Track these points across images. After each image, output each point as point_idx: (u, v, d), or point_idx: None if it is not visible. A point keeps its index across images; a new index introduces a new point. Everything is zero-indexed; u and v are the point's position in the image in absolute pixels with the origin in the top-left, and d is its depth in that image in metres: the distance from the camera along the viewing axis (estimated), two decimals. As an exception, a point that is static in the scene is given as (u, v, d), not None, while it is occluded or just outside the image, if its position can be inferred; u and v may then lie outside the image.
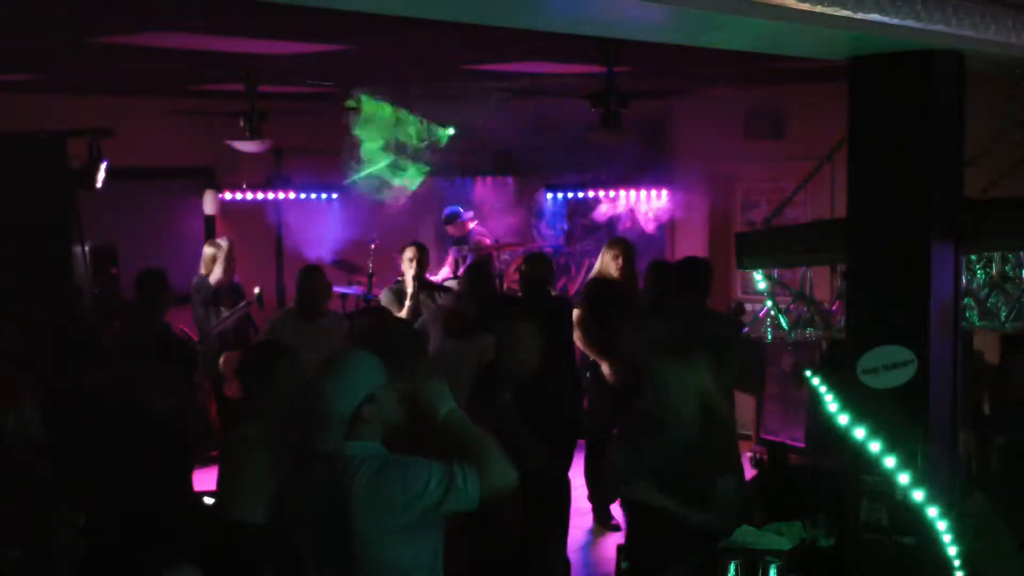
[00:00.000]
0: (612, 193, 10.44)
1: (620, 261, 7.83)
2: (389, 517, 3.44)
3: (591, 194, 10.57)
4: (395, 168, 8.89)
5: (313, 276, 7.35)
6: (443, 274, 9.96)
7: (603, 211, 10.40)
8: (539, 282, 7.68)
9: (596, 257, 9.29)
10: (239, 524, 4.35)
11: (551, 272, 8.07)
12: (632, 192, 10.36)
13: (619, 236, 8.82)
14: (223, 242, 8.74)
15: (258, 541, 4.30)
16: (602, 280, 7.89)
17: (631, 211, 10.30)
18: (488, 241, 10.38)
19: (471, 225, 10.42)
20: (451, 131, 8.76)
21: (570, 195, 10.78)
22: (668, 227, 10.46)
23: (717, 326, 6.45)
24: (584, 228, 10.85)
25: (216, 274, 8.54)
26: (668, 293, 6.65)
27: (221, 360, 8.32)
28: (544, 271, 7.79)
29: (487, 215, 10.78)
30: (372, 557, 3.47)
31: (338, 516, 3.46)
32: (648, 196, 10.34)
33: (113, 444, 4.46)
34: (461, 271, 9.51)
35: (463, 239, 10.34)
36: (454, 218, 10.36)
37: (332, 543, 3.52)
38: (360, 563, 3.49)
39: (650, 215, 10.23)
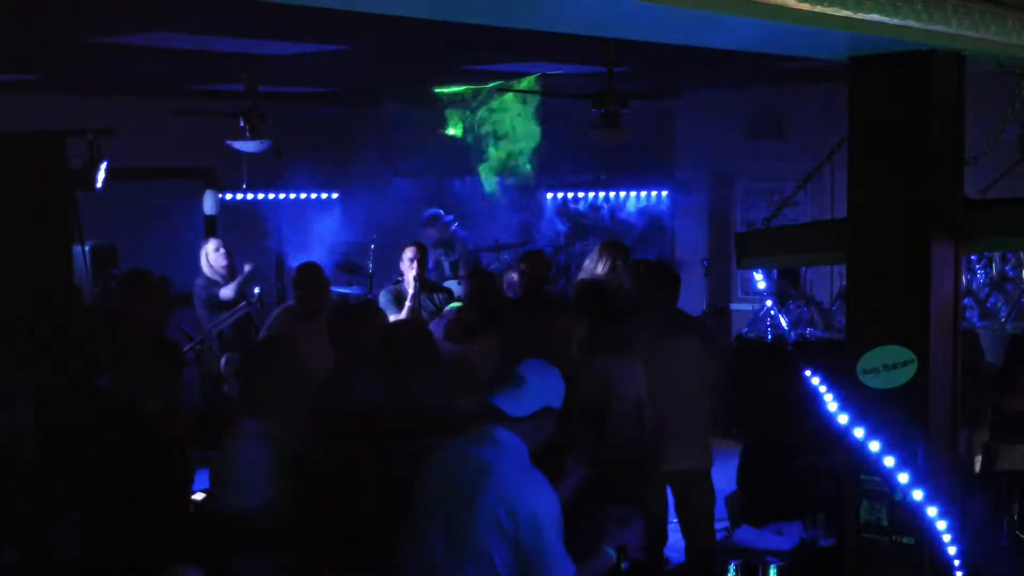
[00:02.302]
0: (612, 194, 10.45)
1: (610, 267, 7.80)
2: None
3: (591, 194, 10.58)
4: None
5: (311, 273, 7.34)
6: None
7: (590, 209, 10.41)
8: (538, 281, 7.67)
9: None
10: (237, 516, 4.36)
11: (549, 269, 8.04)
12: (632, 192, 10.36)
13: (613, 240, 8.75)
14: (220, 249, 8.72)
15: (257, 531, 4.33)
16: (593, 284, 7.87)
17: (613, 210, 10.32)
18: (471, 244, 10.39)
19: (452, 227, 10.42)
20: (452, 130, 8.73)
21: (570, 195, 10.78)
22: (668, 227, 10.46)
23: (695, 323, 6.48)
24: (584, 228, 10.85)
25: (228, 292, 8.51)
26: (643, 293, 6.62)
27: (223, 360, 8.31)
28: (543, 269, 7.78)
29: (486, 215, 10.78)
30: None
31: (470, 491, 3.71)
32: (647, 196, 10.35)
33: (102, 443, 4.47)
34: (459, 273, 9.52)
35: (445, 241, 10.33)
36: (435, 220, 10.36)
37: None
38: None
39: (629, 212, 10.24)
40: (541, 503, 3.72)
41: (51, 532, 4.11)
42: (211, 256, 8.67)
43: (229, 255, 8.68)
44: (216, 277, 8.62)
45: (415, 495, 3.95)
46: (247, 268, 8.74)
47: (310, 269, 7.42)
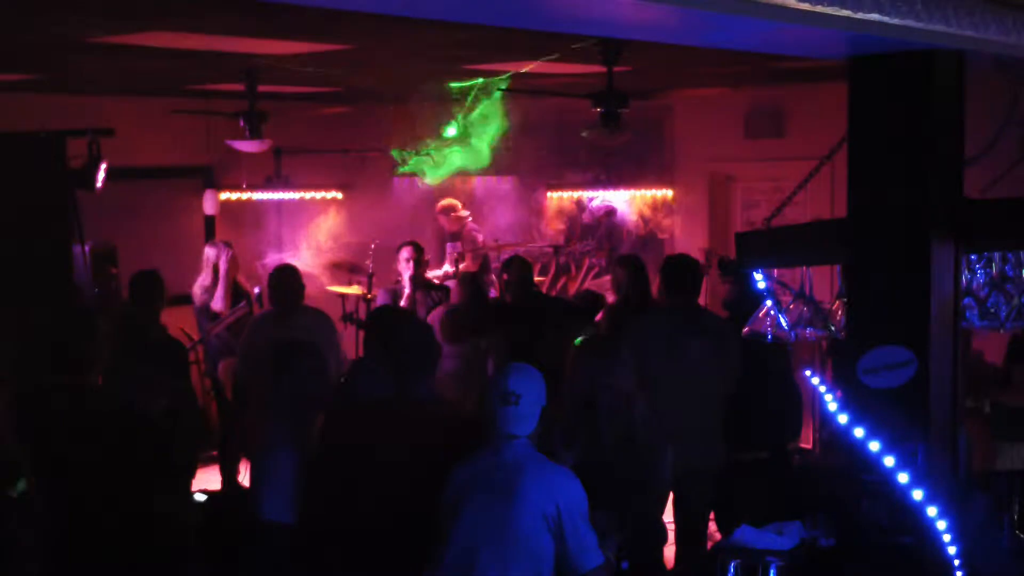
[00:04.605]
0: (612, 193, 10.43)
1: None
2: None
3: (591, 194, 10.56)
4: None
5: (283, 275, 7.23)
6: (445, 270, 9.93)
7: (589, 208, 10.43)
8: (523, 284, 7.68)
9: (596, 257, 9.28)
10: (271, 524, 4.38)
11: (531, 272, 8.03)
12: (632, 192, 10.35)
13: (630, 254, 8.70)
14: (221, 250, 8.65)
15: (287, 540, 4.34)
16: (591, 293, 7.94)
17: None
18: (481, 238, 10.37)
19: (467, 220, 10.40)
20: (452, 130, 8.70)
21: (570, 195, 10.76)
22: (668, 227, 10.45)
23: (715, 321, 6.47)
24: (584, 228, 10.84)
25: (218, 303, 8.44)
26: (662, 292, 6.61)
27: (220, 367, 8.30)
28: (525, 273, 7.78)
29: (487, 215, 10.77)
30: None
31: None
32: (647, 196, 10.33)
33: (105, 445, 4.46)
34: (464, 266, 9.52)
35: (458, 235, 10.32)
36: (448, 210, 10.35)
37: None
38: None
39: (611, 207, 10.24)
40: (576, 493, 3.94)
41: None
42: (222, 265, 8.61)
43: (234, 273, 8.62)
44: (214, 285, 8.56)
45: (444, 507, 4.04)
46: (256, 290, 8.70)
47: (284, 272, 7.32)
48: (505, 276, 7.80)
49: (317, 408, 4.64)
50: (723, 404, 6.13)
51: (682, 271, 6.37)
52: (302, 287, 7.25)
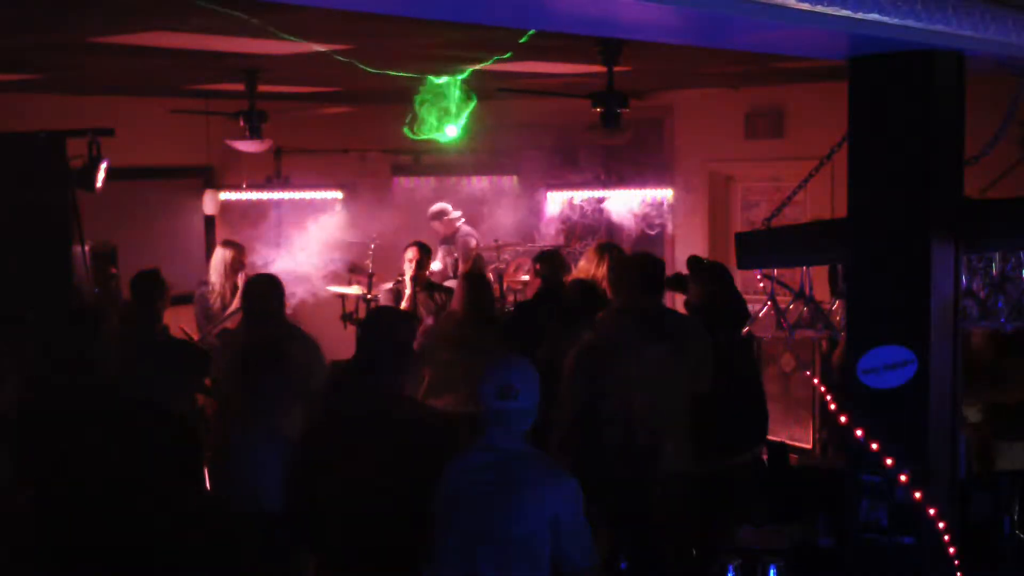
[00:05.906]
0: (612, 193, 10.41)
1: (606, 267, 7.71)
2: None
3: (590, 194, 10.55)
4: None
5: (257, 285, 6.68)
6: (435, 268, 9.89)
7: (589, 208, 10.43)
8: (552, 283, 7.62)
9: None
10: (271, 515, 4.40)
11: (562, 270, 7.97)
12: (632, 192, 10.33)
13: (607, 241, 8.68)
14: (227, 253, 8.60)
15: (284, 529, 4.36)
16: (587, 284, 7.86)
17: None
18: (474, 242, 10.35)
19: (458, 224, 10.38)
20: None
21: (569, 195, 10.75)
22: (667, 226, 10.45)
23: (683, 320, 6.46)
24: (584, 228, 10.84)
25: (232, 306, 8.37)
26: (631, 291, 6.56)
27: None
28: (560, 272, 7.73)
29: (487, 215, 10.77)
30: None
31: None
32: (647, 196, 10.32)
33: (106, 445, 4.46)
34: (459, 270, 9.51)
35: (450, 238, 10.31)
36: (440, 215, 10.34)
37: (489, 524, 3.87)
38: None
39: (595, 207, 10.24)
40: (574, 492, 3.92)
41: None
42: (228, 266, 8.57)
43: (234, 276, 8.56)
44: (220, 287, 8.53)
45: (441, 505, 4.02)
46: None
47: (258, 281, 6.84)
48: (538, 266, 7.75)
49: (303, 399, 4.65)
50: (696, 404, 6.09)
51: (655, 272, 6.35)
52: (277, 299, 6.55)
